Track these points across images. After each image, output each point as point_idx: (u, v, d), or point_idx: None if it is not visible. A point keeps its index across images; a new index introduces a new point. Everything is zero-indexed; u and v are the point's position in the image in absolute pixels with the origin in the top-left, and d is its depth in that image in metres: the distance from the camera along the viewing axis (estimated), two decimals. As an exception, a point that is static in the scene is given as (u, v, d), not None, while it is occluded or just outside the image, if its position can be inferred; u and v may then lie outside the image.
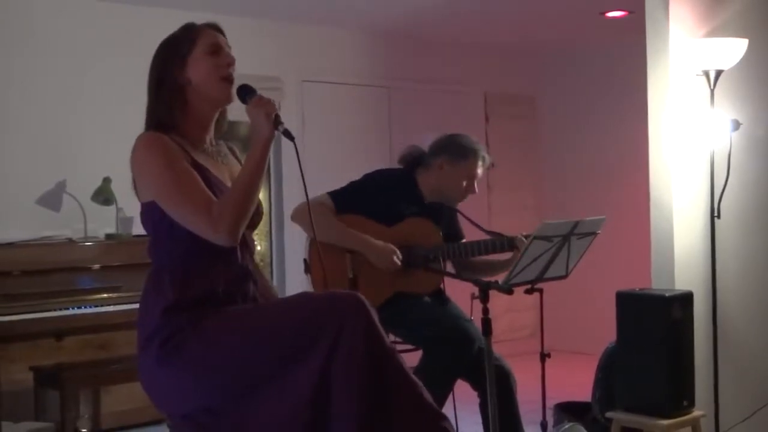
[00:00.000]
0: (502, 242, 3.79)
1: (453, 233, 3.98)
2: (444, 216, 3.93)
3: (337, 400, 2.26)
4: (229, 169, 2.59)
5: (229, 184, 2.52)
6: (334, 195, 3.79)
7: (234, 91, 2.51)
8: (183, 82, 2.49)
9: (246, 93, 2.47)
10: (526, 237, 3.65)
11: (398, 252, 3.68)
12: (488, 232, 3.86)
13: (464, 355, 3.60)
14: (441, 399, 3.47)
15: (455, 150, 3.85)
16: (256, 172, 2.39)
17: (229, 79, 2.50)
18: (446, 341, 3.62)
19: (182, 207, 2.37)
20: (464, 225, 4.00)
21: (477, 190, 3.90)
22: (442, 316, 3.70)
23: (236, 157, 2.71)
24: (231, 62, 2.52)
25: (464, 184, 3.85)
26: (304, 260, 3.84)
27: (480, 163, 3.87)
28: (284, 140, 7.04)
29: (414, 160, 3.93)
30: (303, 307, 2.40)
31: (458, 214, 3.99)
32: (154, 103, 2.51)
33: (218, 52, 2.51)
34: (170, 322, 2.38)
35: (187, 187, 2.37)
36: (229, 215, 2.34)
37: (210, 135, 2.58)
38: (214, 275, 2.44)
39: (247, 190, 2.38)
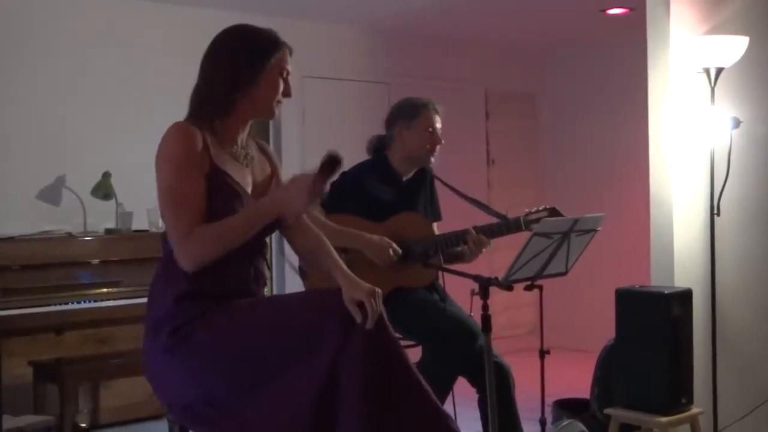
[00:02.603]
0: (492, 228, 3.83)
1: (432, 213, 4.00)
2: (424, 195, 3.96)
3: (344, 398, 2.26)
4: (252, 170, 2.58)
5: (249, 187, 2.53)
6: None
7: (277, 112, 2.55)
8: (247, 83, 2.48)
9: (330, 167, 2.40)
10: (492, 226, 3.79)
11: (394, 245, 3.68)
12: (470, 200, 3.89)
13: (467, 352, 3.60)
14: (442, 396, 3.47)
15: (405, 113, 3.90)
16: (251, 226, 2.41)
17: (280, 104, 2.55)
18: (449, 338, 3.61)
19: (167, 214, 2.41)
20: (462, 208, 4.00)
21: (442, 140, 3.90)
22: (444, 313, 3.69)
23: (267, 155, 2.70)
24: (288, 94, 2.56)
25: (426, 139, 3.87)
26: (300, 268, 3.83)
27: (433, 113, 3.89)
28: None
29: (379, 143, 3.97)
30: (311, 303, 2.41)
31: (436, 186, 4.01)
32: (213, 80, 2.49)
33: (286, 79, 2.55)
34: (182, 310, 2.38)
35: (182, 200, 2.38)
36: (202, 245, 2.36)
37: (242, 137, 2.58)
38: (225, 272, 2.44)
39: (232, 234, 2.38)
